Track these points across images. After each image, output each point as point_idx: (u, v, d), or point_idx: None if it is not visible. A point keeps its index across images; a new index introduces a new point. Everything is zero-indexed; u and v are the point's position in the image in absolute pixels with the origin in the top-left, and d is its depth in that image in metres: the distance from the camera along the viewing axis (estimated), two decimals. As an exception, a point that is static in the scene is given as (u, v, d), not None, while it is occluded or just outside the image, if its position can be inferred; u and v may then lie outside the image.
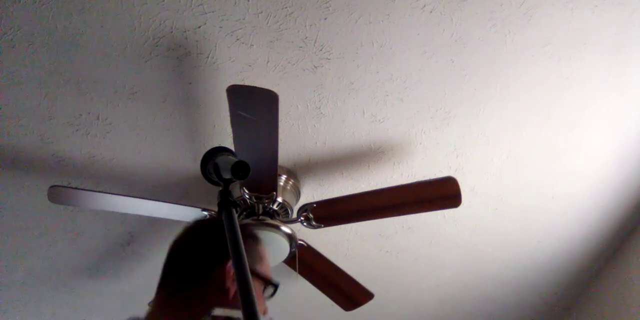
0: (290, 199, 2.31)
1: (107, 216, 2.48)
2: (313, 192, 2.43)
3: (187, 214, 2.16)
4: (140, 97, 2.02)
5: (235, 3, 1.75)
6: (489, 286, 3.09)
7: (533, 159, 2.34)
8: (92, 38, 1.81)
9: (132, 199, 2.08)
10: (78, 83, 1.95)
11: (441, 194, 2.11)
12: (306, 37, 1.85)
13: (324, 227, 2.24)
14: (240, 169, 1.03)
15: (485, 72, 2.00)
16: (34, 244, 2.61)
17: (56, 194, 2.06)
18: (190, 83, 1.98)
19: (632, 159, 2.36)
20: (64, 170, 2.25)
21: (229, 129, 2.01)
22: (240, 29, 1.82)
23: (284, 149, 2.22)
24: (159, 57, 1.89)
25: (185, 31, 1.81)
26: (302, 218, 2.21)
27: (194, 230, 1.15)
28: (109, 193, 2.13)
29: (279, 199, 2.23)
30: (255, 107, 1.80)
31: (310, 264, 2.42)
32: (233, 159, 1.08)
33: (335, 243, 2.71)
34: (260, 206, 2.18)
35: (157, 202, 2.11)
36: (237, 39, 1.85)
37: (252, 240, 1.16)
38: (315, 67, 1.95)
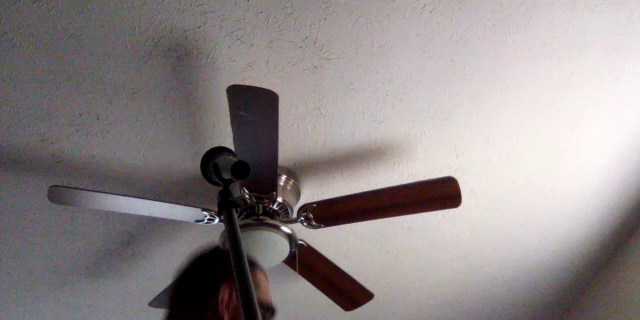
0: (290, 199, 2.31)
1: (107, 216, 2.48)
2: (313, 192, 2.43)
3: (187, 214, 2.16)
4: (140, 97, 2.02)
5: (235, 3, 1.75)
6: (489, 286, 3.09)
7: (533, 159, 2.34)
8: (92, 38, 1.81)
9: (132, 199, 2.08)
10: (78, 83, 1.95)
11: (441, 194, 2.11)
12: (306, 37, 1.85)
13: (324, 227, 2.24)
14: (240, 169, 1.03)
15: (485, 72, 2.00)
16: (34, 244, 2.61)
17: (56, 194, 2.06)
18: (190, 83, 1.98)
19: (632, 159, 2.36)
20: (64, 170, 2.25)
21: (229, 129, 2.01)
22: (240, 29, 1.82)
23: (284, 149, 2.22)
24: (159, 57, 1.89)
25: (185, 31, 1.81)
26: (302, 218, 2.21)
27: (192, 261, 1.22)
28: (109, 193, 2.13)
29: (279, 199, 2.23)
30: (255, 107, 1.80)
31: (310, 264, 2.42)
32: (233, 159, 1.08)
33: (335, 243, 2.71)
34: (260, 206, 2.18)
35: (157, 202, 2.11)
36: (237, 39, 1.85)
37: (251, 266, 1.18)
38: (315, 67, 1.95)
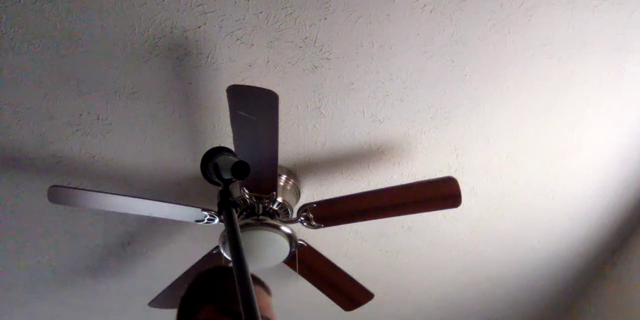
0: (290, 199, 2.31)
1: (107, 216, 2.48)
2: (313, 192, 2.43)
3: (187, 214, 2.16)
4: (140, 97, 2.02)
5: (235, 3, 1.75)
6: (489, 286, 3.09)
7: (533, 159, 2.34)
8: (92, 38, 1.81)
9: (132, 199, 2.08)
10: (78, 83, 1.95)
11: (441, 194, 2.11)
12: (306, 37, 1.85)
13: (324, 227, 2.24)
14: (240, 169, 1.04)
15: (485, 72, 2.00)
16: (34, 244, 2.61)
17: (56, 194, 2.06)
18: (190, 83, 1.98)
19: (632, 159, 2.36)
20: (64, 170, 2.25)
21: (229, 129, 2.01)
22: (240, 29, 1.82)
23: (284, 149, 2.22)
24: (159, 57, 1.89)
25: (185, 31, 1.81)
26: (302, 218, 2.21)
27: (193, 279, 1.29)
28: (109, 193, 2.13)
29: (279, 199, 2.23)
30: (255, 107, 1.80)
31: (310, 264, 2.42)
32: (233, 159, 1.08)
33: (335, 243, 2.71)
34: (260, 206, 2.18)
35: (157, 202, 2.11)
36: (237, 39, 1.85)
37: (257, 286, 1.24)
38: (315, 67, 1.95)
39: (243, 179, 1.04)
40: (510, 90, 2.06)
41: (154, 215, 2.16)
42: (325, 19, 1.80)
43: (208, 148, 1.20)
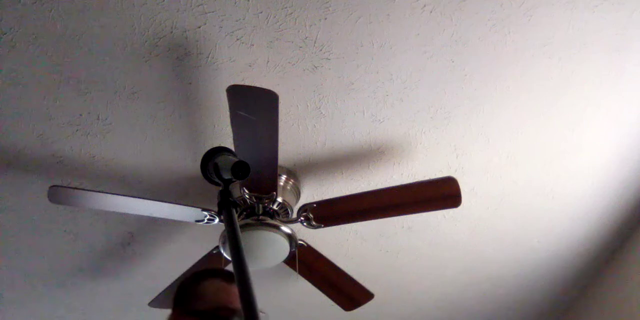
0: (290, 199, 2.31)
1: (107, 216, 2.48)
2: (313, 192, 2.43)
3: (187, 214, 2.16)
4: (140, 97, 2.02)
5: (235, 3, 1.75)
6: (489, 286, 3.09)
7: (533, 159, 2.34)
8: (92, 38, 1.81)
9: (132, 199, 2.08)
10: (78, 83, 1.95)
11: (441, 194, 2.11)
12: (306, 37, 1.85)
13: (324, 227, 2.24)
14: (240, 169, 1.04)
15: (485, 72, 2.00)
16: (34, 244, 2.61)
17: (56, 194, 2.06)
18: (190, 83, 1.98)
19: (632, 159, 2.36)
20: (64, 170, 2.25)
21: (229, 129, 2.01)
22: (240, 29, 1.82)
23: (284, 149, 2.22)
24: (159, 57, 1.89)
25: (185, 31, 1.81)
26: (302, 218, 2.21)
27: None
28: (109, 193, 2.13)
29: (279, 199, 2.23)
30: (255, 107, 1.80)
31: (310, 264, 2.42)
32: (233, 159, 1.08)
33: (335, 243, 2.71)
34: (260, 206, 2.18)
35: (157, 202, 2.11)
36: (237, 39, 1.85)
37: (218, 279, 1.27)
38: (315, 67, 1.95)
39: (243, 179, 1.04)
40: (510, 90, 2.06)
41: (154, 215, 2.16)
42: (325, 19, 1.80)
43: (208, 148, 1.20)
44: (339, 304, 2.60)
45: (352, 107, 2.09)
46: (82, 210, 2.43)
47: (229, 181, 1.08)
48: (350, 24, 1.82)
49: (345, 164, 2.32)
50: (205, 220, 2.19)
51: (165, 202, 2.14)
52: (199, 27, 1.81)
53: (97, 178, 2.29)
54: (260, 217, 2.17)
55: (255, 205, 2.18)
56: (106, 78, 1.94)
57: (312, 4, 1.76)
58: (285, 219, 2.26)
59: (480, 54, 1.93)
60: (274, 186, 2.11)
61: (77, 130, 2.11)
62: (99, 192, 2.12)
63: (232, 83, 1.84)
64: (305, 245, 2.33)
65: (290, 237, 2.18)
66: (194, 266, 2.37)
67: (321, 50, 1.89)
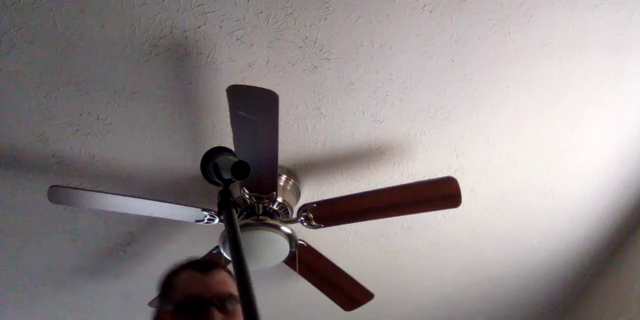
0: (290, 199, 2.31)
1: (107, 216, 2.48)
2: (313, 192, 2.43)
3: (187, 214, 2.16)
4: (140, 97, 2.02)
5: (235, 3, 1.75)
6: (489, 286, 3.09)
7: (533, 159, 2.34)
8: (92, 38, 1.81)
9: (132, 199, 2.08)
10: (78, 83, 1.95)
11: (441, 194, 2.11)
12: (306, 37, 1.85)
13: (324, 227, 2.24)
14: (240, 169, 1.04)
15: (485, 72, 2.00)
16: (34, 244, 2.61)
17: (56, 194, 2.06)
18: (190, 83, 1.98)
19: (632, 159, 2.36)
20: (64, 170, 2.25)
21: (229, 129, 2.01)
22: (240, 29, 1.82)
23: (284, 149, 2.22)
24: (159, 57, 1.89)
25: (185, 31, 1.81)
26: (302, 218, 2.21)
27: None
28: (109, 193, 2.13)
29: (279, 199, 2.23)
30: (255, 107, 1.80)
31: (310, 264, 2.42)
32: (233, 159, 1.08)
33: (335, 243, 2.71)
34: (260, 206, 2.18)
35: (157, 202, 2.11)
36: (237, 39, 1.85)
37: (215, 266, 1.25)
38: (315, 67, 1.95)
39: (243, 179, 1.04)
40: (510, 90, 2.06)
41: (154, 215, 2.16)
42: (325, 19, 1.80)
43: (208, 148, 1.20)
44: (339, 304, 2.60)
45: (352, 107, 2.09)
46: (82, 210, 2.43)
47: (229, 181, 1.08)
48: (350, 24, 1.82)
49: (345, 164, 2.32)
50: (205, 220, 2.19)
51: (165, 202, 2.14)
52: (199, 27, 1.81)
53: (97, 178, 2.29)
54: (260, 217, 2.17)
55: (255, 205, 2.18)
56: (106, 78, 1.94)
57: (312, 4, 1.76)
58: (285, 219, 2.26)
59: (480, 54, 1.93)
60: (274, 186, 2.11)
61: (77, 130, 2.11)
62: (99, 192, 2.12)
63: (232, 83, 1.84)
64: (305, 245, 2.33)
65: (290, 237, 2.18)
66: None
67: (321, 50, 1.89)
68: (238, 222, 1.02)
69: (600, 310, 3.00)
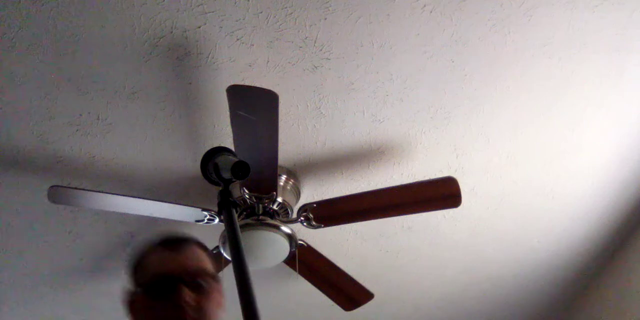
0: (290, 199, 2.31)
1: (107, 216, 2.48)
2: (313, 192, 2.43)
3: (187, 214, 2.16)
4: (140, 97, 2.02)
5: (235, 3, 1.75)
6: (489, 286, 3.09)
7: (533, 159, 2.34)
8: (92, 38, 1.81)
9: (132, 199, 2.08)
10: (78, 83, 1.95)
11: (441, 194, 2.11)
12: (306, 37, 1.85)
13: (324, 227, 2.24)
14: (240, 169, 1.03)
15: (485, 72, 2.00)
16: (34, 244, 2.61)
17: (56, 194, 2.06)
18: (190, 83, 1.98)
19: (632, 159, 2.36)
20: (64, 170, 2.25)
21: (229, 129, 2.01)
22: (240, 29, 1.82)
23: (284, 149, 2.22)
24: (159, 57, 1.89)
25: (185, 31, 1.81)
26: (302, 218, 2.21)
27: None
28: (109, 193, 2.13)
29: (279, 199, 2.23)
30: (255, 107, 1.80)
31: (310, 264, 2.42)
32: (233, 159, 1.08)
33: (335, 243, 2.71)
34: (260, 206, 2.18)
35: (157, 202, 2.11)
36: (237, 39, 1.85)
37: (186, 241, 1.16)
38: (315, 67, 1.95)
39: (243, 179, 1.04)
40: (510, 90, 2.06)
41: (154, 215, 2.16)
42: (325, 19, 1.80)
43: (208, 148, 1.20)
44: (339, 304, 2.60)
45: (352, 107, 2.09)
46: (82, 210, 2.43)
47: (229, 181, 1.08)
48: (350, 24, 1.82)
49: (345, 164, 2.32)
50: (205, 220, 2.19)
51: (165, 202, 2.14)
52: (199, 27, 1.80)
53: (97, 178, 2.29)
54: (260, 217, 2.17)
55: (255, 205, 2.18)
56: (106, 78, 1.94)
57: (312, 4, 1.76)
58: (285, 219, 2.26)
59: (480, 54, 1.93)
60: (274, 186, 2.11)
61: (77, 130, 2.11)
62: (99, 192, 2.12)
63: (232, 83, 1.84)
64: (305, 245, 2.33)
65: (290, 237, 2.18)
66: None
67: (321, 50, 1.89)
68: (238, 222, 1.02)
69: (601, 310, 3.00)
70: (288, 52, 1.90)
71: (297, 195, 2.37)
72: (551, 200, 2.54)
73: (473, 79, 2.02)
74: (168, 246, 1.12)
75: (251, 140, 1.92)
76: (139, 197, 2.11)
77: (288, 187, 2.31)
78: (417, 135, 2.21)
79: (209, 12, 1.77)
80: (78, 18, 1.75)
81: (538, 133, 2.23)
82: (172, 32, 1.81)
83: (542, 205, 2.57)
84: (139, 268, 1.13)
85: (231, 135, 1.90)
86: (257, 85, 1.89)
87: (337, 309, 2.64)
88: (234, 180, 1.06)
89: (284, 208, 2.26)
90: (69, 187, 2.11)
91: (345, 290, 2.53)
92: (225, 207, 1.01)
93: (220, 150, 1.16)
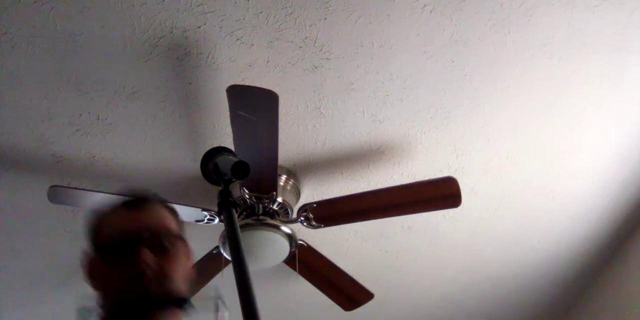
0: (290, 199, 2.31)
1: (107, 216, 2.47)
2: (313, 192, 2.43)
3: (187, 214, 2.16)
4: (140, 97, 2.01)
5: (235, 3, 1.75)
6: (489, 286, 3.09)
7: (533, 159, 2.34)
8: (92, 38, 1.81)
9: (132, 199, 2.08)
10: (78, 83, 1.95)
11: (441, 194, 2.11)
12: (306, 37, 1.85)
13: (324, 227, 2.24)
14: (240, 169, 1.03)
15: (485, 72, 2.00)
16: (34, 244, 2.61)
17: (56, 194, 2.06)
18: (190, 83, 1.98)
19: (632, 159, 2.36)
20: (64, 170, 2.25)
21: (229, 129, 2.01)
22: (240, 29, 1.82)
23: (284, 149, 2.21)
24: (159, 57, 1.89)
25: (185, 31, 1.81)
26: (302, 218, 2.21)
27: None
28: (109, 193, 2.13)
29: (279, 199, 2.23)
30: (255, 107, 1.80)
31: (310, 264, 2.42)
32: (233, 159, 1.08)
33: (335, 243, 2.71)
34: (260, 206, 2.18)
35: (157, 202, 2.11)
36: (237, 39, 1.85)
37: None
38: (315, 67, 1.95)
39: (243, 179, 1.04)
40: (510, 90, 2.06)
41: (154, 215, 2.15)
42: (325, 19, 1.80)
43: (208, 148, 1.20)
44: (339, 304, 2.60)
45: (352, 107, 2.09)
46: (82, 210, 2.43)
47: (229, 181, 1.08)
48: (350, 24, 1.82)
49: (345, 164, 2.32)
50: (205, 220, 2.19)
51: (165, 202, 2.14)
52: (199, 27, 1.80)
53: (97, 178, 2.29)
54: (260, 217, 2.17)
55: (255, 205, 2.18)
56: (106, 78, 1.94)
57: (312, 4, 1.76)
58: (285, 219, 2.26)
59: (480, 54, 1.93)
60: (274, 186, 2.11)
61: (77, 130, 2.11)
62: (99, 192, 2.12)
63: (232, 83, 1.84)
64: (305, 245, 2.33)
65: (290, 237, 2.18)
66: (194, 266, 2.36)
67: (321, 50, 1.89)
68: (238, 222, 1.01)
69: (600, 310, 3.00)
70: (288, 52, 1.89)
71: (297, 195, 2.37)
72: (551, 200, 2.54)
73: (473, 79, 2.02)
74: (128, 206, 1.07)
75: (251, 140, 1.92)
76: (139, 197, 2.10)
77: (288, 187, 2.31)
78: (417, 135, 2.21)
79: (209, 12, 1.77)
80: (78, 18, 1.75)
81: (538, 133, 2.23)
82: (172, 32, 1.81)
83: (542, 205, 2.57)
84: (97, 229, 1.08)
85: (231, 135, 1.90)
86: (257, 85, 1.89)
87: (337, 309, 2.64)
88: (234, 180, 1.06)
89: (284, 208, 2.26)
90: (69, 187, 2.11)
91: (345, 290, 2.53)
92: (225, 207, 1.01)
93: (220, 150, 1.16)
